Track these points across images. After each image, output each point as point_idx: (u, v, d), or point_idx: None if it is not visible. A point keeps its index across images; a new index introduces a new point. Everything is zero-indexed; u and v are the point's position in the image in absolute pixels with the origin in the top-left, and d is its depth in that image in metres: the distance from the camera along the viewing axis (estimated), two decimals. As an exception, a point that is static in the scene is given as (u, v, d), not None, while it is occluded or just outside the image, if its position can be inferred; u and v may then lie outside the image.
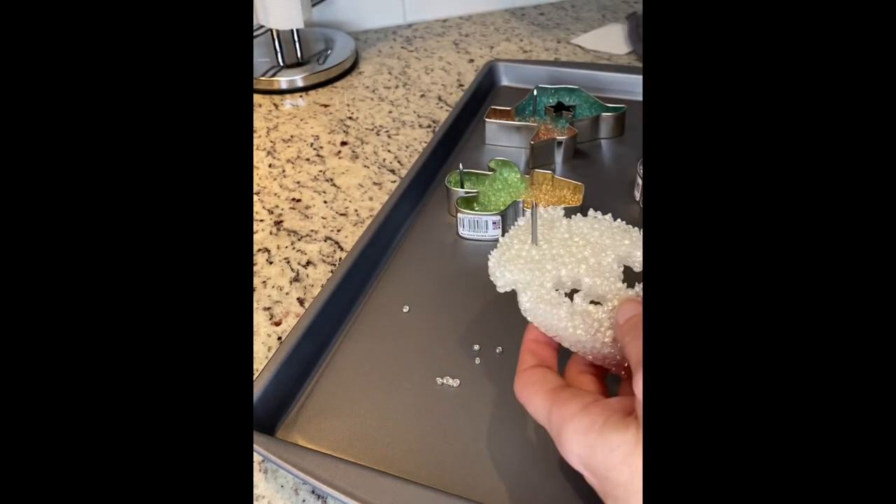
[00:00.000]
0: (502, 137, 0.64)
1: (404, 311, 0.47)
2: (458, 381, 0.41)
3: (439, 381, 0.41)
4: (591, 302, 0.35)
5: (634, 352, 0.29)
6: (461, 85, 0.77)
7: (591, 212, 0.39)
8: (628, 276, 0.36)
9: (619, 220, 0.39)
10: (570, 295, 0.35)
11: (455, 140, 0.64)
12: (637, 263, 0.37)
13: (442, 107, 0.73)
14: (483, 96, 0.72)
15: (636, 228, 0.38)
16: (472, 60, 0.83)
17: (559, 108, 0.63)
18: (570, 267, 0.36)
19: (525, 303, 0.35)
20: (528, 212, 0.39)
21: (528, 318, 0.35)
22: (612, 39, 0.85)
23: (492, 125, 0.63)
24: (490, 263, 0.37)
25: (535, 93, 0.64)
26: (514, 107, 0.64)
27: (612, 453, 0.27)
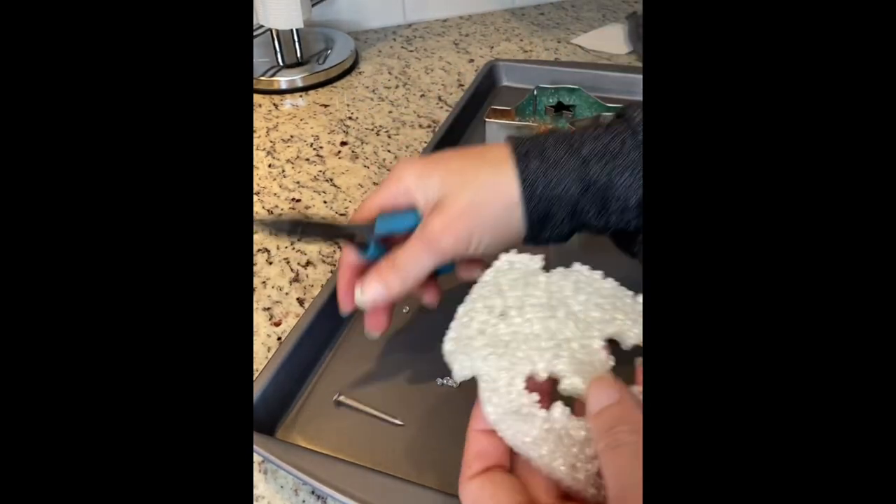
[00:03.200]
0: (502, 137, 0.63)
1: (404, 311, 0.47)
2: (458, 382, 0.41)
3: (439, 381, 0.41)
4: (572, 408, 0.28)
5: (614, 472, 0.23)
6: (461, 85, 0.77)
7: (576, 265, 0.32)
8: (616, 352, 0.29)
9: (609, 279, 0.31)
10: (549, 391, 0.28)
11: (455, 140, 0.64)
12: (630, 341, 0.29)
13: (442, 107, 0.73)
14: (483, 96, 0.72)
15: (629, 293, 0.31)
16: (472, 60, 0.83)
17: (559, 108, 0.63)
18: (548, 357, 0.28)
19: (489, 412, 0.28)
20: (495, 264, 0.32)
21: (491, 423, 0.28)
22: (613, 39, 0.85)
23: (492, 125, 0.63)
24: (446, 347, 0.30)
25: (535, 93, 0.64)
26: (514, 107, 0.64)
27: None
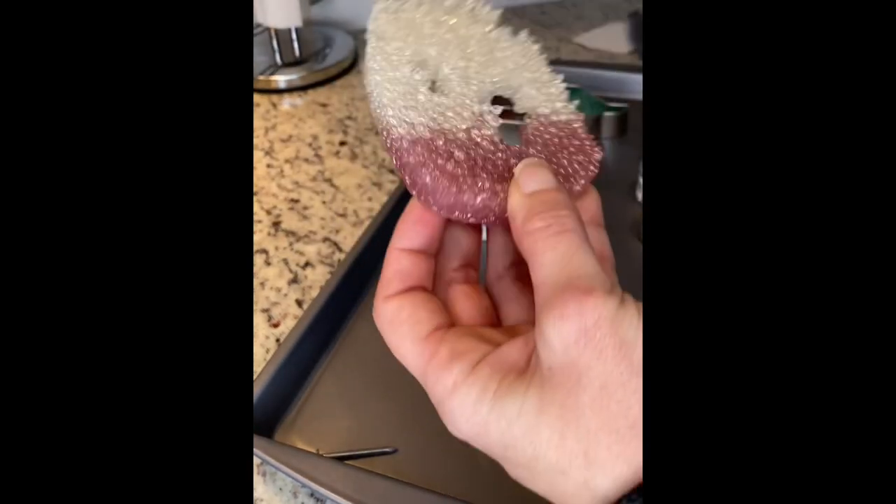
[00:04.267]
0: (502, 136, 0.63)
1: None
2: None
3: (439, 383, 0.41)
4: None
5: (557, 259, 0.21)
6: (461, 84, 0.77)
7: (522, 34, 0.30)
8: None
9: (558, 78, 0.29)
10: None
11: (455, 139, 0.64)
12: (525, 102, 0.29)
13: (442, 106, 0.73)
14: (483, 95, 0.71)
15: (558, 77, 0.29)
16: (472, 59, 0.82)
17: (560, 107, 0.63)
18: (451, 58, 0.28)
19: (371, 66, 0.26)
20: None
21: (370, 93, 0.27)
22: (614, 38, 0.85)
23: (492, 125, 0.63)
24: (377, 7, 0.28)
25: (535, 92, 0.64)
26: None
27: (510, 427, 0.21)
